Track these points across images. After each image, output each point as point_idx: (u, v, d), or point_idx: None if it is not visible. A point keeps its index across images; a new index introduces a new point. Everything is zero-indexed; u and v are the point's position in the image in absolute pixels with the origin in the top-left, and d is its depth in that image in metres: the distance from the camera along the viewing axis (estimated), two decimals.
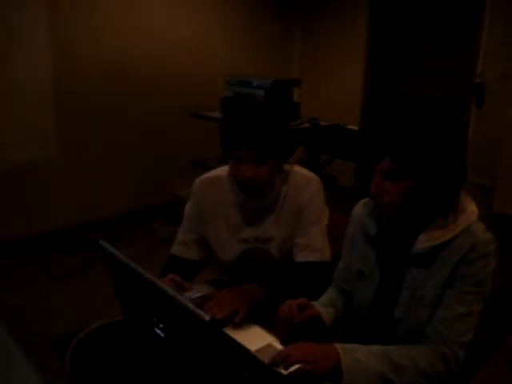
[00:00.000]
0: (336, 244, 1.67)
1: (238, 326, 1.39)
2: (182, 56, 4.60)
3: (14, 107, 3.72)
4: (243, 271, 1.76)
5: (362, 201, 1.53)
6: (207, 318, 0.88)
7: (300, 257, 1.68)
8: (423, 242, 1.27)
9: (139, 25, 4.27)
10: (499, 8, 4.17)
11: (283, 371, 1.19)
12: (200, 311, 0.90)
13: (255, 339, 1.34)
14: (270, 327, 1.40)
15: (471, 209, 1.30)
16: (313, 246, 1.67)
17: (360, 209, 1.51)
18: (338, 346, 1.23)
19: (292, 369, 1.18)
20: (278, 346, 1.30)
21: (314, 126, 4.00)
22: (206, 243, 1.78)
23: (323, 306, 1.47)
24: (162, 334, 1.09)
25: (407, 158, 1.20)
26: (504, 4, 4.13)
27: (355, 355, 1.21)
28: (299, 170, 1.75)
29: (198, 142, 4.32)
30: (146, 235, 4.16)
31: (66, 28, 3.88)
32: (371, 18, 5.10)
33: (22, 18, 3.62)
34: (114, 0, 4.11)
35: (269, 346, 1.31)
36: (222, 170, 1.76)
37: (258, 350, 1.28)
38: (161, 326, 1.09)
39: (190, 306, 0.93)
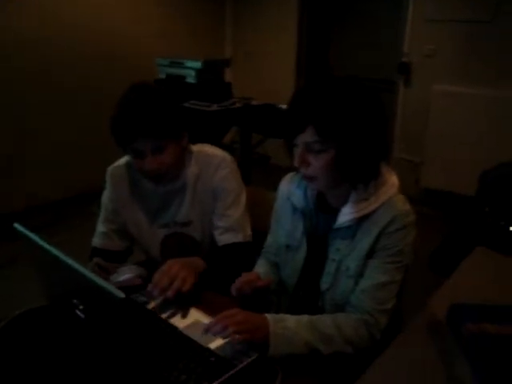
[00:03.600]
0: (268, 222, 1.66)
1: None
2: (113, 39, 4.50)
3: None
4: (167, 256, 1.74)
5: (289, 174, 1.54)
6: (122, 295, 0.86)
7: (222, 240, 1.68)
8: (346, 215, 1.30)
9: (66, 11, 4.14)
10: None
11: (217, 340, 1.18)
12: (115, 289, 0.88)
13: (183, 317, 1.33)
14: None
15: (392, 181, 1.34)
16: (233, 228, 1.67)
17: (286, 182, 1.53)
18: (267, 315, 1.24)
19: (227, 339, 1.17)
20: (206, 322, 1.30)
21: (246, 106, 4.00)
22: (126, 232, 1.75)
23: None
24: (83, 316, 1.07)
25: (330, 126, 1.21)
26: None
27: (284, 323, 1.22)
28: (211, 150, 1.72)
29: None
30: (84, 220, 4.02)
31: None
32: None
33: None
34: None
35: (197, 322, 1.31)
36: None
37: (186, 327, 1.27)
38: (81, 307, 1.07)
39: (105, 284, 0.91)
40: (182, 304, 1.36)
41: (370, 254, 1.30)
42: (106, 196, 1.75)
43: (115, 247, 1.74)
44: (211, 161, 1.68)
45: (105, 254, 1.70)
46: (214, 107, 3.80)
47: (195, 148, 1.70)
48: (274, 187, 1.60)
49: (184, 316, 1.34)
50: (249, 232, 1.69)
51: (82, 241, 1.88)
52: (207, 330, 1.19)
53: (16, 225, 1.17)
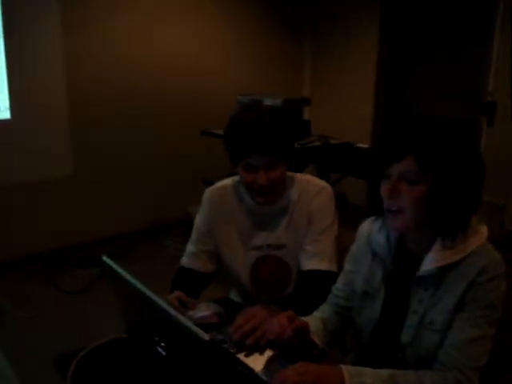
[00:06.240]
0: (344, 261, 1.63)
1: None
2: (193, 75, 4.69)
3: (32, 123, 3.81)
4: (256, 280, 1.75)
5: (370, 218, 1.49)
6: (207, 337, 0.86)
7: (309, 264, 1.66)
8: (430, 263, 1.24)
9: (151, 46, 4.38)
10: (509, 26, 4.17)
11: None
12: (200, 330, 0.89)
13: (260, 359, 1.32)
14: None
15: (481, 231, 1.27)
16: (322, 255, 1.66)
17: (367, 226, 1.47)
18: (343, 367, 1.19)
19: None
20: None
21: (324, 145, 4.00)
22: (215, 255, 1.77)
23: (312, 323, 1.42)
24: (164, 353, 1.08)
25: (431, 157, 1.19)
26: None
27: (361, 378, 1.17)
28: (312, 179, 1.76)
29: (209, 159, 4.40)
30: (157, 252, 4.19)
31: (81, 47, 3.98)
32: (382, 36, 5.14)
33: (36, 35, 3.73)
34: (126, 22, 4.19)
35: (273, 364, 1.28)
36: (231, 180, 1.77)
37: (263, 369, 1.25)
38: (162, 344, 1.08)
39: (191, 325, 0.92)
40: (260, 347, 1.35)
41: (459, 307, 1.22)
42: (200, 217, 1.79)
43: (202, 268, 1.76)
44: (312, 187, 1.71)
45: (190, 274, 1.75)
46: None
47: (297, 175, 1.74)
48: (351, 226, 1.58)
49: (261, 358, 1.32)
50: (335, 262, 1.67)
51: (154, 272, 1.91)
52: None
53: (104, 257, 1.22)
